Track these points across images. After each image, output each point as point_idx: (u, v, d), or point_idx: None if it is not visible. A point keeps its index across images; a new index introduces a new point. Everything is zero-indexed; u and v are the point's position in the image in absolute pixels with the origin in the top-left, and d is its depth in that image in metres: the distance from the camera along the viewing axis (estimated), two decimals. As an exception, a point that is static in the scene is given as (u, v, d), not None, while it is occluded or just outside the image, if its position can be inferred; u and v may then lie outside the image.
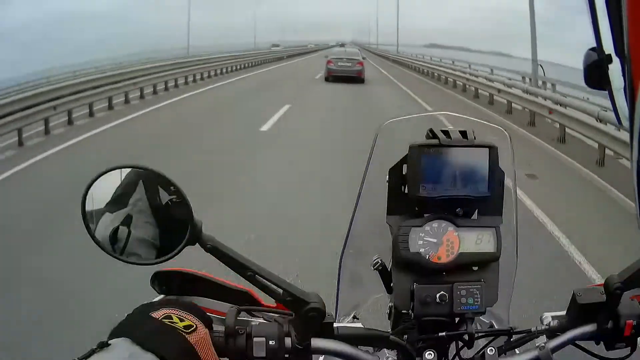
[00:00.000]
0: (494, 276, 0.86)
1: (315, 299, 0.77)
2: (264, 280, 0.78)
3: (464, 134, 0.85)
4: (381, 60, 46.03)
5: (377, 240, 0.93)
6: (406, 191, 0.86)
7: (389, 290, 0.90)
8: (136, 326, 0.71)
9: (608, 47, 0.56)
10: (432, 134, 0.86)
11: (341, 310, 1.00)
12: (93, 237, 0.76)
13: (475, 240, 0.85)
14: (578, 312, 0.84)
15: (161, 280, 0.85)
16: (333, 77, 20.67)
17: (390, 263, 0.89)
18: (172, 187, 0.77)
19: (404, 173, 0.87)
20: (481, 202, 0.87)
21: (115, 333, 0.70)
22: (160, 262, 0.77)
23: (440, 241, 0.85)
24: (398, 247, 0.85)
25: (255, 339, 0.77)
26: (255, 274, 0.78)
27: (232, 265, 0.78)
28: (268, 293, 0.79)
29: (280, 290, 0.78)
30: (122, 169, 0.78)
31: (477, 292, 0.84)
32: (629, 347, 0.87)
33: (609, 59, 0.57)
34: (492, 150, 0.84)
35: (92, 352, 0.67)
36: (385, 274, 0.90)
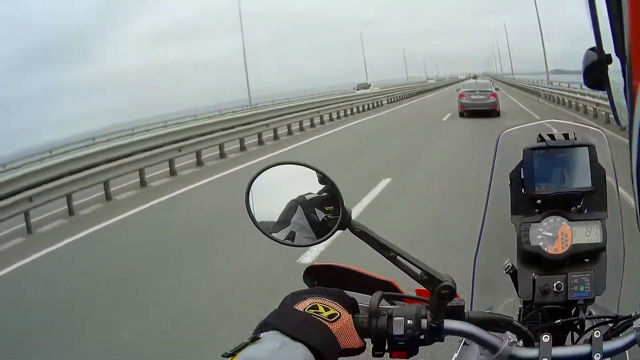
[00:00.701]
0: (602, 266, 0.95)
1: (448, 279, 0.86)
2: (405, 261, 0.87)
3: (566, 136, 0.96)
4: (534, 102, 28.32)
5: (505, 242, 1.02)
6: (525, 191, 0.96)
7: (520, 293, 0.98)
8: (283, 319, 0.77)
9: (608, 47, 0.56)
10: (540, 138, 0.97)
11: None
12: (255, 222, 0.89)
13: (585, 232, 0.94)
14: None
15: (312, 275, 0.93)
16: (467, 112, 19.25)
17: (517, 263, 0.97)
18: (327, 181, 0.89)
19: (522, 176, 0.96)
20: (587, 197, 0.96)
21: (263, 326, 0.76)
22: (317, 243, 0.90)
23: (555, 234, 0.95)
24: (521, 242, 0.95)
25: (395, 318, 0.84)
26: (397, 255, 0.87)
27: (376, 247, 0.88)
28: (407, 272, 0.88)
29: (419, 271, 0.87)
30: (283, 165, 0.90)
31: (588, 280, 0.92)
32: None
33: (608, 59, 0.56)
34: (591, 148, 0.95)
35: (244, 345, 0.72)
36: (515, 279, 0.98)
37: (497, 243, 1.08)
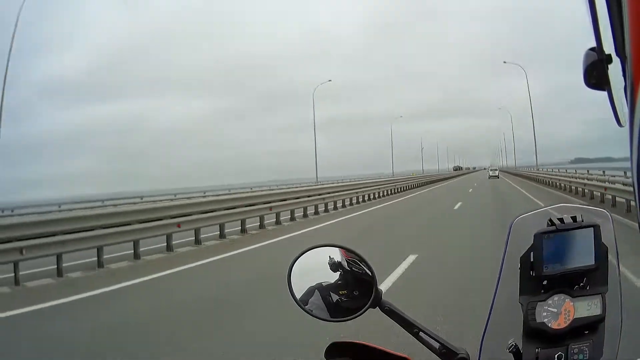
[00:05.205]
0: (601, 335, 1.01)
1: (464, 352, 0.98)
2: (427, 336, 0.99)
3: (574, 219, 1.02)
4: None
5: (511, 322, 1.08)
6: (533, 273, 1.02)
7: None
8: None
9: (608, 47, 0.55)
10: (551, 223, 1.02)
11: None
12: (294, 297, 1.01)
13: (586, 307, 1.00)
14: None
15: (334, 352, 1.02)
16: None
17: (522, 340, 1.04)
18: (362, 262, 1.00)
19: (531, 259, 1.02)
20: (590, 274, 1.01)
21: None
22: (349, 319, 1.00)
23: (559, 311, 1.00)
24: (527, 319, 1.02)
25: None
26: (420, 331, 0.99)
27: (402, 324, 0.99)
28: (428, 347, 0.99)
29: (437, 345, 0.98)
30: (322, 248, 1.03)
31: (587, 349, 0.99)
32: None
33: (609, 59, 0.56)
34: (596, 228, 1.01)
35: None
36: (518, 356, 1.03)
37: (504, 323, 1.13)
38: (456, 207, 21.20)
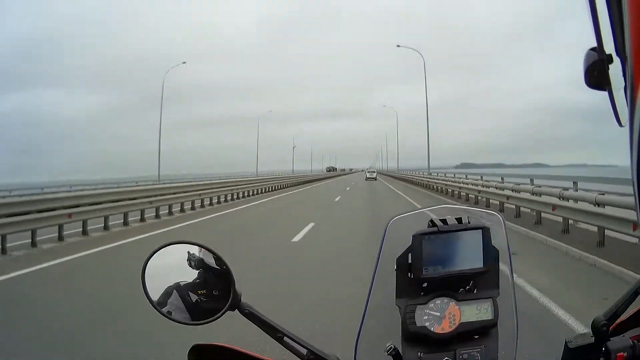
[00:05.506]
0: (494, 340, 0.96)
1: (334, 358, 0.93)
2: (291, 341, 0.93)
3: (459, 220, 0.97)
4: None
5: (389, 326, 1.01)
6: (412, 275, 0.96)
7: None
8: None
9: (609, 46, 0.56)
10: (432, 224, 0.97)
11: None
12: (149, 298, 0.93)
13: (474, 311, 0.95)
14: (571, 357, 0.91)
15: (196, 355, 0.94)
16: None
17: (402, 344, 0.97)
18: (219, 261, 0.94)
19: (409, 261, 0.96)
20: (478, 277, 0.96)
21: None
22: (205, 322, 0.93)
23: (443, 314, 0.95)
24: (406, 323, 0.95)
25: None
26: (284, 336, 0.93)
27: (264, 328, 0.94)
28: (294, 352, 0.93)
29: (305, 351, 0.92)
30: (178, 244, 0.96)
31: (478, 354, 0.93)
32: None
33: (609, 59, 0.56)
34: (485, 230, 0.96)
35: None
36: (399, 358, 0.98)
37: (381, 327, 1.06)
38: (297, 238, 11.34)
